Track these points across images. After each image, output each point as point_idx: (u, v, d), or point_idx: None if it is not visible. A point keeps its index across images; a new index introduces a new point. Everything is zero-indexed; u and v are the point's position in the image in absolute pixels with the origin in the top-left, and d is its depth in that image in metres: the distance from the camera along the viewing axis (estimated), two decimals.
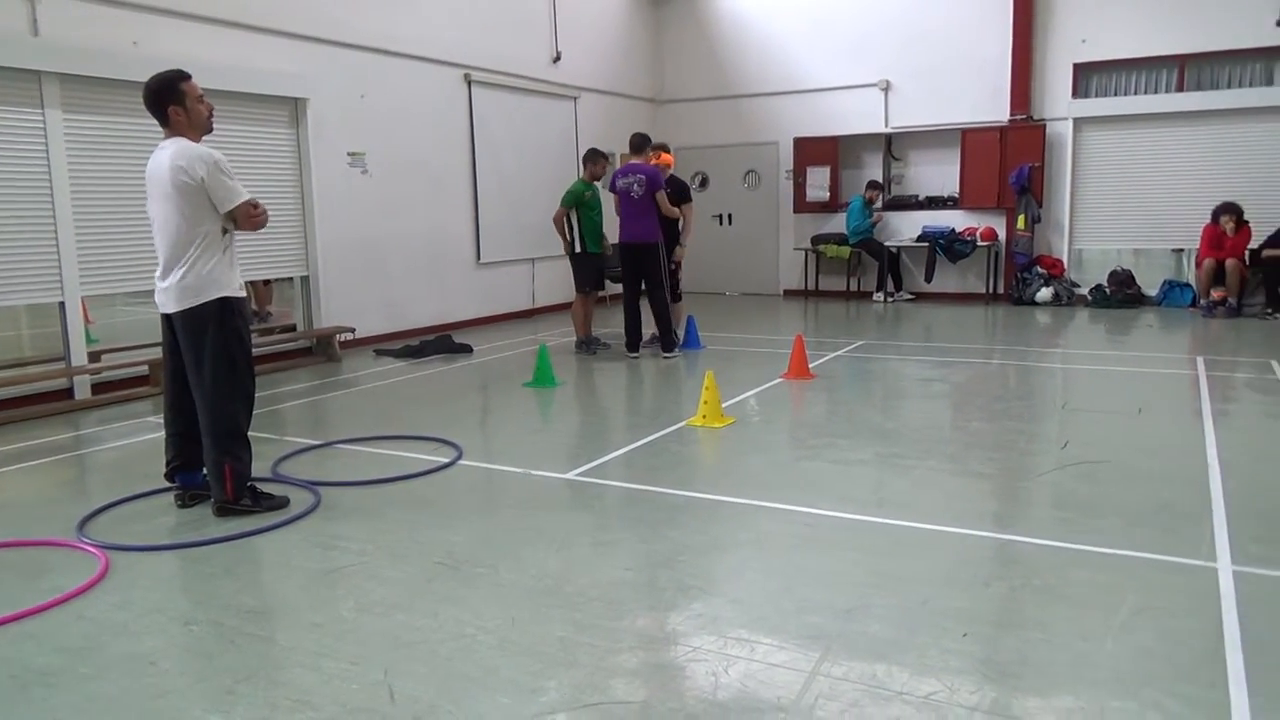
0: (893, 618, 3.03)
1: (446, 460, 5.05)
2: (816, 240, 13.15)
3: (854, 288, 13.02)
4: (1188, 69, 11.33)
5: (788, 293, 13.72)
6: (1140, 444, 5.15)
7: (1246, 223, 10.42)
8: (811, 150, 13.24)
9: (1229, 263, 10.32)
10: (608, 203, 8.62)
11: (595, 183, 8.55)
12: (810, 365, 7.37)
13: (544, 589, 3.34)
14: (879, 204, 12.71)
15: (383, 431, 5.81)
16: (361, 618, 3.14)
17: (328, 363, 8.47)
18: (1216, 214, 10.50)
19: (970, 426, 5.73)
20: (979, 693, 2.54)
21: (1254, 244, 10.44)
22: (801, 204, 13.41)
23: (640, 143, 8.39)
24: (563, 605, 3.19)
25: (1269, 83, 10.99)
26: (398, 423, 6.05)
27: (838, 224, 13.08)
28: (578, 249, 8.47)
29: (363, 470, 4.97)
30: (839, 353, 8.40)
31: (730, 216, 14.13)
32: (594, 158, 8.56)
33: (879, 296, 12.63)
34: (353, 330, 8.91)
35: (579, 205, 8.39)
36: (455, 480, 4.79)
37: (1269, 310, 10.12)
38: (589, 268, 8.53)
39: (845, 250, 12.71)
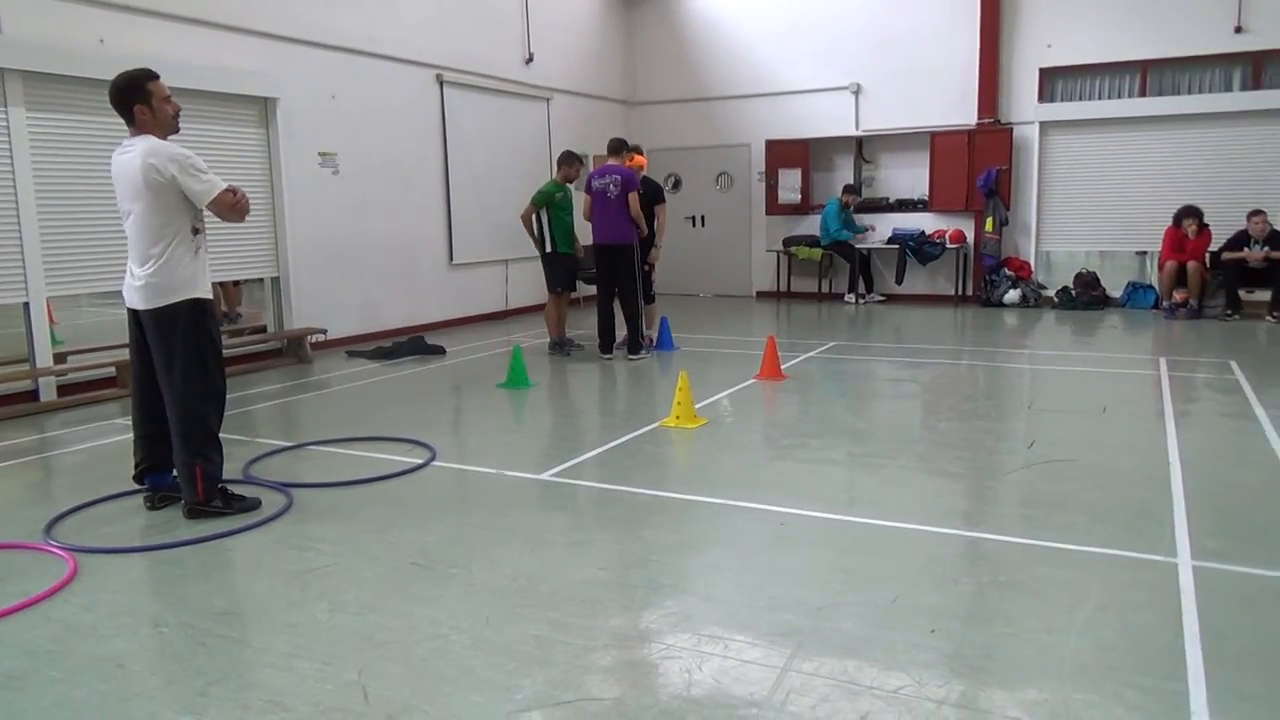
0: (863, 615, 3.08)
1: (420, 461, 5.04)
2: (788, 242, 13.24)
3: (826, 289, 13.12)
4: (1150, 74, 11.54)
5: (760, 294, 13.80)
6: (1104, 443, 5.25)
7: (1207, 226, 10.62)
8: (783, 152, 13.33)
9: (1190, 265, 10.52)
10: (580, 205, 8.62)
11: (568, 184, 8.56)
12: (782, 366, 7.43)
13: (518, 589, 3.36)
14: (852, 208, 12.79)
15: (355, 433, 5.78)
16: (335, 618, 3.14)
17: (299, 364, 8.41)
18: (1178, 217, 10.70)
19: (939, 426, 5.81)
20: (946, 686, 2.59)
21: (1214, 247, 10.65)
22: (773, 206, 13.49)
23: (618, 145, 8.44)
24: (537, 605, 3.21)
25: (1228, 88, 11.22)
26: (371, 424, 6.02)
27: (809, 226, 13.18)
28: (549, 249, 8.48)
29: (335, 472, 4.94)
30: (811, 354, 8.47)
31: (703, 218, 14.19)
32: (568, 160, 8.58)
33: (850, 298, 12.74)
34: (324, 331, 8.86)
35: (550, 206, 8.40)
36: (429, 481, 4.79)
37: (1229, 312, 10.33)
38: (560, 268, 8.54)
39: (817, 252, 12.81)
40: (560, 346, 8.65)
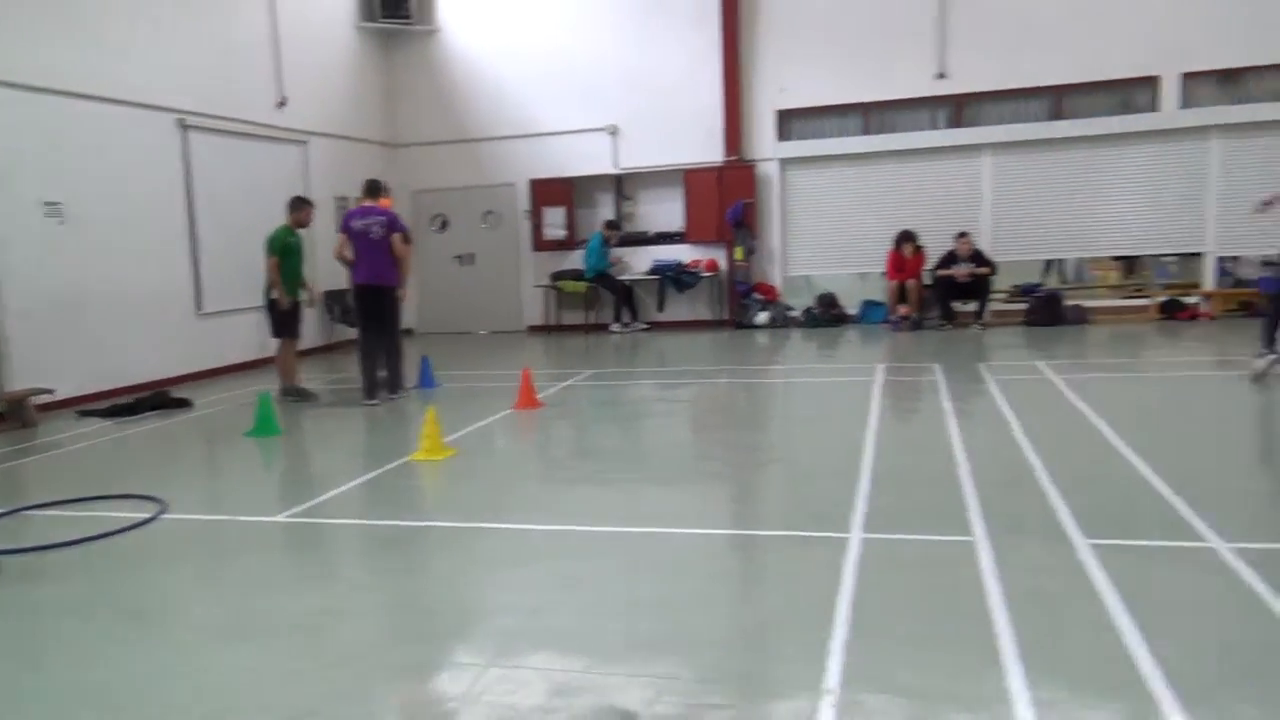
0: (573, 612, 3.32)
1: (148, 515, 4.85)
2: (556, 277, 13.62)
3: (592, 320, 13.57)
4: (871, 115, 12.88)
5: (532, 328, 14.07)
6: (814, 443, 5.84)
7: (922, 247, 11.96)
8: (547, 191, 13.76)
9: (910, 283, 11.79)
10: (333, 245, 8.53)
11: (299, 230, 8.49)
12: (540, 395, 7.67)
13: (235, 626, 3.35)
14: (613, 242, 13.34)
15: (81, 494, 5.46)
16: (39, 678, 3.02)
17: (22, 428, 7.75)
18: (898, 240, 11.99)
19: (679, 440, 6.24)
20: (625, 661, 2.87)
21: (929, 266, 11.98)
22: (540, 242, 13.86)
23: (375, 187, 8.48)
24: (251, 640, 3.22)
25: (935, 126, 12.72)
26: (100, 484, 5.69)
27: (575, 260, 13.61)
28: (274, 295, 8.33)
29: (53, 535, 4.66)
30: (571, 382, 8.78)
31: (473, 256, 14.32)
32: (300, 205, 8.55)
33: (616, 327, 13.25)
34: (51, 391, 8.22)
35: (285, 253, 8.30)
36: (157, 535, 4.61)
37: (943, 322, 11.66)
38: (290, 315, 8.42)
39: (582, 285, 13.26)
40: (298, 393, 8.47)
